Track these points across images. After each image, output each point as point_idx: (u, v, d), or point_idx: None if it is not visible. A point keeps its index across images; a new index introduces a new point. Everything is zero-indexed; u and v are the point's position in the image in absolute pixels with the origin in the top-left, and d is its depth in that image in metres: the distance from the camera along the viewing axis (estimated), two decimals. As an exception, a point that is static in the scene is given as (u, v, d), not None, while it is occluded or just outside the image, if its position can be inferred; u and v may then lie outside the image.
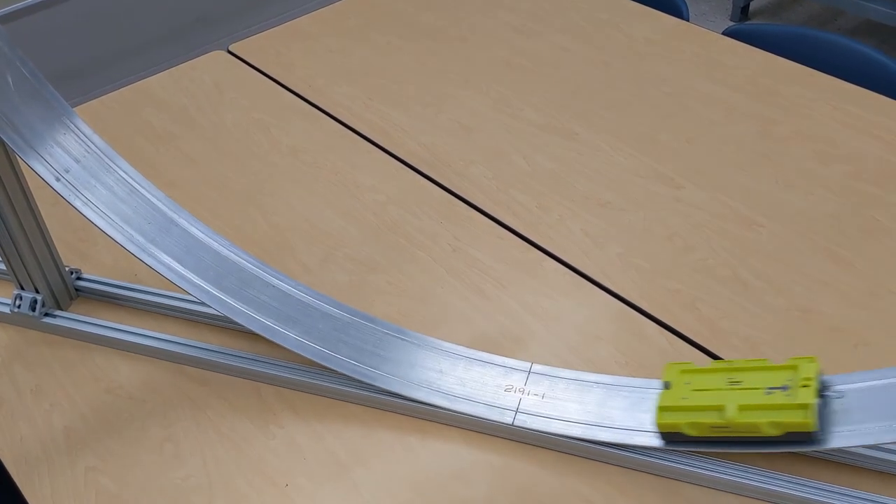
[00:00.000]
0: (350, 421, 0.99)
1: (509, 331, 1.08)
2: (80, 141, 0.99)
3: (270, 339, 1.00)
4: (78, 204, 0.96)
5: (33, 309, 1.10)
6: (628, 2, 1.72)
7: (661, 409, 0.89)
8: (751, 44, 1.58)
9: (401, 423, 0.99)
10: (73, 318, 1.11)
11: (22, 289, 1.10)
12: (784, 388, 0.85)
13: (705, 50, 1.57)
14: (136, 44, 2.61)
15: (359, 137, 1.43)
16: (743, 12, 3.19)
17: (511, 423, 0.94)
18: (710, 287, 1.11)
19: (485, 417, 0.95)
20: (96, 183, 0.98)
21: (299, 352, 1.00)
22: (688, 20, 1.69)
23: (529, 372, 0.99)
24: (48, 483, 0.95)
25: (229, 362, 1.04)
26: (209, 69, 1.63)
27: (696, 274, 1.14)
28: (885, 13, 2.79)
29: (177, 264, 0.97)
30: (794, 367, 0.87)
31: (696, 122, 1.40)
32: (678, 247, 1.18)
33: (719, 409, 0.85)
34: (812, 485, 0.87)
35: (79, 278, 1.16)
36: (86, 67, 2.54)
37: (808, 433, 0.83)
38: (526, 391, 0.97)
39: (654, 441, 0.90)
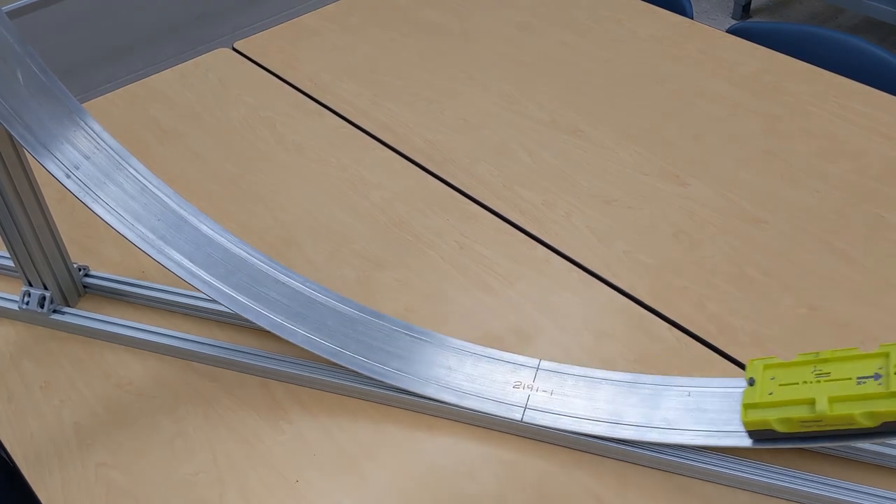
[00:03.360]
0: (359, 417, 1.00)
1: (517, 327, 1.08)
2: (89, 138, 0.99)
3: (279, 335, 1.00)
4: (88, 201, 0.96)
5: (42, 305, 1.10)
6: (632, -1, 1.73)
7: (747, 407, 0.86)
8: (755, 41, 1.58)
9: (409, 419, 0.99)
10: (81, 315, 1.11)
11: (30, 285, 1.11)
12: (876, 376, 0.80)
13: (709, 47, 1.57)
14: (138, 41, 2.61)
15: (364, 134, 1.44)
16: (744, 10, 3.19)
17: (520, 419, 0.95)
18: (717, 284, 1.12)
19: (493, 414, 0.96)
20: (106, 180, 0.98)
21: (308, 348, 1.00)
22: (692, 18, 1.70)
23: (538, 368, 0.99)
24: (59, 479, 0.95)
25: (238, 359, 1.04)
26: (214, 66, 1.63)
27: (702, 271, 1.14)
28: (886, 11, 2.80)
29: (187, 261, 0.97)
30: (885, 355, 0.82)
31: (701, 120, 1.41)
32: (684, 244, 1.18)
33: (809, 402, 0.82)
34: (819, 480, 0.87)
35: (87, 275, 1.16)
36: (88, 64, 2.54)
37: None
38: (534, 388, 0.97)
39: (659, 437, 0.91)
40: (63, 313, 1.11)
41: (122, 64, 2.57)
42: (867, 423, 0.79)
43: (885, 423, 0.79)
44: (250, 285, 1.02)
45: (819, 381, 0.83)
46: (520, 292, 1.13)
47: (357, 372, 0.99)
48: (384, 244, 1.22)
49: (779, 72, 1.50)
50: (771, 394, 0.85)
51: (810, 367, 0.85)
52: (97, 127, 1.00)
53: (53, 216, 1.08)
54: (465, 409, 0.97)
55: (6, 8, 2.33)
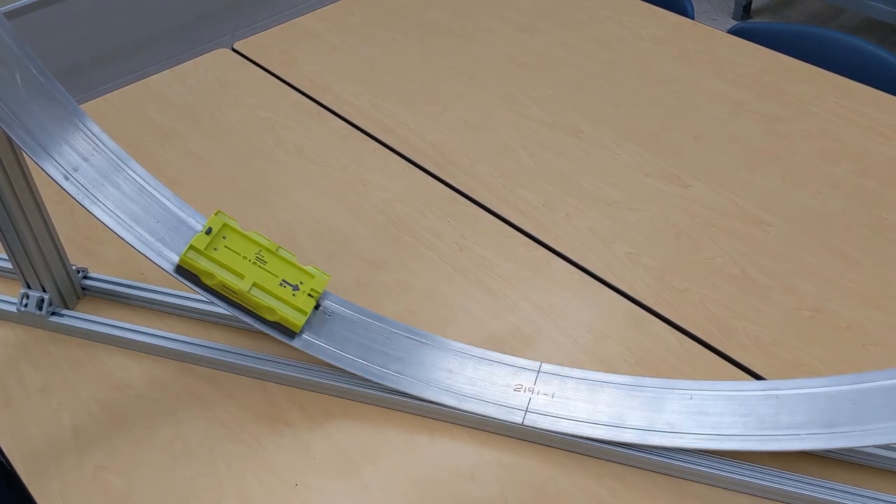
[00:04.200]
0: (359, 420, 0.99)
1: (518, 329, 1.08)
2: (88, 140, 0.98)
3: (279, 338, 1.00)
4: (87, 203, 0.96)
5: (40, 308, 1.10)
6: (634, 0, 1.72)
7: (191, 248, 0.95)
8: (756, 42, 1.58)
9: (410, 422, 0.98)
10: (79, 317, 1.11)
11: (29, 287, 1.10)
12: (295, 287, 0.97)
13: (711, 48, 1.57)
14: (137, 41, 2.60)
15: (364, 135, 1.43)
16: (745, 10, 3.18)
17: (521, 422, 0.94)
18: (719, 286, 1.11)
19: (494, 417, 0.95)
20: (105, 182, 0.98)
21: (307, 351, 1.00)
22: (693, 18, 1.69)
23: (539, 371, 0.98)
24: (57, 482, 0.95)
25: (237, 361, 1.04)
26: (213, 67, 1.63)
27: (704, 272, 1.13)
28: (886, 11, 2.79)
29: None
30: (311, 276, 0.99)
31: (703, 121, 1.40)
32: (686, 245, 1.18)
33: (239, 276, 0.95)
34: (823, 484, 0.87)
35: (85, 277, 1.16)
36: (86, 65, 2.54)
37: (293, 331, 0.98)
38: (535, 390, 0.97)
39: (661, 440, 0.90)
40: (61, 315, 1.11)
41: (120, 64, 2.56)
42: (267, 316, 0.97)
43: (279, 324, 0.97)
44: (249, 287, 1.01)
45: (255, 264, 0.97)
46: (521, 294, 1.13)
47: (357, 375, 0.99)
48: (384, 246, 1.22)
49: (780, 72, 1.49)
50: (216, 249, 0.96)
51: (256, 248, 0.98)
52: (96, 129, 0.99)
53: (53, 218, 1.08)
54: (466, 412, 0.96)
55: (4, 9, 2.32)
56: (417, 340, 1.02)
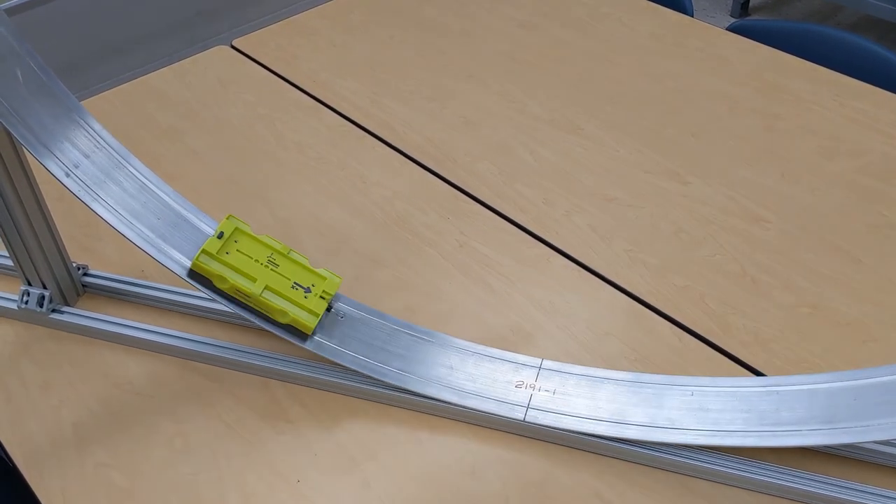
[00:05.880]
0: (360, 416, 0.99)
1: (518, 326, 1.08)
2: (89, 137, 0.98)
3: (279, 335, 1.00)
4: (88, 200, 0.96)
5: (41, 305, 1.10)
6: (632, -3, 1.72)
7: (203, 252, 0.95)
8: (755, 39, 1.58)
9: (411, 418, 0.99)
10: (80, 315, 1.11)
11: (29, 285, 1.10)
12: (307, 289, 0.97)
13: (709, 45, 1.57)
14: (135, 38, 2.59)
15: (364, 132, 1.43)
16: (743, 8, 3.19)
17: (522, 419, 0.94)
18: (719, 283, 1.12)
19: (496, 413, 0.95)
20: (106, 179, 0.98)
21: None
22: (692, 15, 1.69)
23: (540, 368, 0.99)
24: (58, 479, 0.95)
25: (238, 358, 1.04)
26: (212, 64, 1.63)
27: (704, 269, 1.14)
28: (885, 8, 2.80)
29: (187, 260, 0.97)
30: (322, 278, 0.99)
31: (701, 118, 1.40)
32: (685, 242, 1.18)
33: (251, 279, 0.95)
34: (823, 480, 0.87)
35: (86, 274, 1.16)
36: (85, 62, 2.53)
37: (305, 334, 0.98)
38: (537, 387, 0.97)
39: (662, 436, 0.91)
40: (62, 313, 1.11)
41: (119, 62, 2.56)
42: (279, 319, 0.97)
43: (291, 326, 0.97)
44: (250, 284, 1.01)
45: (267, 268, 0.97)
46: (521, 291, 1.13)
47: (358, 371, 0.99)
48: (384, 242, 1.22)
49: (779, 69, 1.49)
50: (228, 253, 0.96)
51: (268, 251, 0.98)
52: (97, 126, 0.99)
53: (53, 215, 1.08)
54: (467, 408, 0.96)
55: (3, 6, 2.32)
56: (418, 337, 1.02)
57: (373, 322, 1.03)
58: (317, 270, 1.00)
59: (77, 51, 2.50)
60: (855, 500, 0.86)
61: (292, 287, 0.97)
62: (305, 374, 1.01)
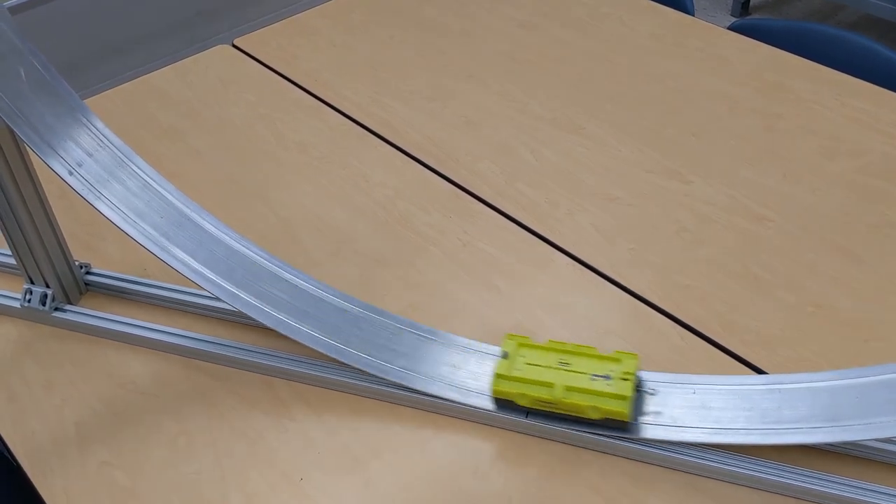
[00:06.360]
0: (363, 415, 0.99)
1: (521, 325, 1.08)
2: (92, 135, 0.98)
3: (283, 333, 1.00)
4: (91, 198, 0.96)
5: (43, 303, 1.10)
6: (633, -4, 1.72)
7: (498, 377, 0.95)
8: (755, 38, 1.58)
9: (414, 416, 0.99)
10: (83, 313, 1.11)
11: (32, 283, 1.10)
12: (606, 377, 0.93)
13: (710, 45, 1.57)
14: (137, 37, 2.59)
15: (365, 132, 1.43)
16: (743, 7, 3.19)
17: (525, 417, 0.95)
18: (721, 282, 1.12)
19: (499, 412, 0.95)
20: (109, 177, 0.98)
21: (312, 346, 1.00)
22: (692, 15, 1.69)
23: (543, 366, 0.99)
24: (61, 478, 0.95)
25: (241, 357, 1.04)
26: (213, 63, 1.63)
27: (706, 269, 1.14)
28: (885, 7, 2.80)
29: (190, 259, 0.97)
30: (617, 360, 0.95)
31: (702, 117, 1.40)
32: (687, 241, 1.18)
33: (549, 386, 0.93)
34: (825, 477, 0.87)
35: (88, 272, 1.16)
36: (86, 61, 2.53)
37: (624, 422, 0.91)
38: (540, 385, 0.97)
39: (664, 434, 0.91)
40: (65, 311, 1.11)
41: (120, 61, 2.56)
42: (592, 415, 0.92)
43: (606, 419, 0.91)
44: (253, 283, 1.02)
45: (560, 370, 0.94)
46: (524, 290, 1.13)
47: (362, 370, 0.99)
48: (386, 241, 1.22)
49: (780, 69, 1.49)
50: (519, 370, 0.95)
51: (557, 355, 0.96)
52: (100, 124, 0.99)
53: (55, 213, 1.08)
54: (471, 406, 0.96)
55: (5, 5, 2.32)
56: (422, 336, 1.02)
57: (376, 320, 1.03)
58: (609, 355, 0.96)
59: (78, 50, 2.50)
60: (859, 497, 0.86)
61: (591, 379, 0.93)
62: (309, 372, 1.01)
